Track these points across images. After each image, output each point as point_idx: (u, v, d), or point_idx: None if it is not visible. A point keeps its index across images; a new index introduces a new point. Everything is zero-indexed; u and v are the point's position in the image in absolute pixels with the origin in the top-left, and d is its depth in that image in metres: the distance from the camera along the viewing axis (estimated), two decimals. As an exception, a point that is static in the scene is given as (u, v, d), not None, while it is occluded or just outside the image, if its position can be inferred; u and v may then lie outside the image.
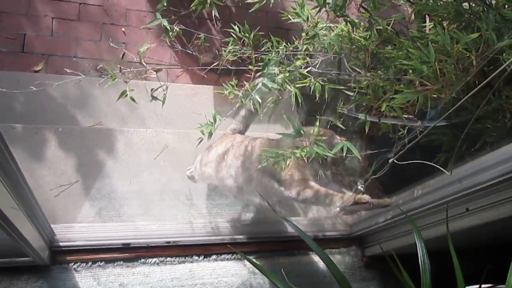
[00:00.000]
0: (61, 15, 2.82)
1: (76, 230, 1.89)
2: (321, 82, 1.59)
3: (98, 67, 2.03)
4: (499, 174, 1.48)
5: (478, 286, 1.43)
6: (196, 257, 2.02)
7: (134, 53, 2.00)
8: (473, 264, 1.75)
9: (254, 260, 2.08)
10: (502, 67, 1.29)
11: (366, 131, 1.72)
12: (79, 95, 2.50)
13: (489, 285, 1.53)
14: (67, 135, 2.22)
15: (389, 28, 1.91)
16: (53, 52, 2.70)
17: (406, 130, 1.92)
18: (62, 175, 2.12)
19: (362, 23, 1.99)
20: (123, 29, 2.94)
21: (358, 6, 1.66)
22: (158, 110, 2.57)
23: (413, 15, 2.10)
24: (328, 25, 1.88)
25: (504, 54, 1.55)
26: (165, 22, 1.57)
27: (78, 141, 2.23)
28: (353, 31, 1.89)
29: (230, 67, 1.72)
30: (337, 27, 1.93)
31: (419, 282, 1.37)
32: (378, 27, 1.94)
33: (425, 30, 1.98)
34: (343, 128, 1.80)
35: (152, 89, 1.66)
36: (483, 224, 1.58)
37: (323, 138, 1.55)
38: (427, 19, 2.02)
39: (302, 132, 1.59)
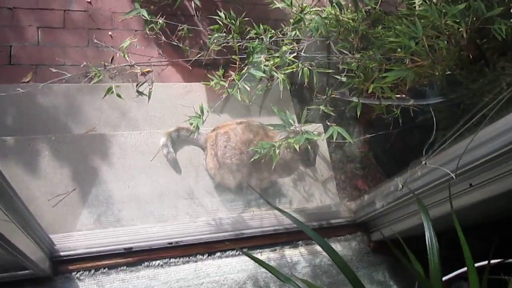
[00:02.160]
0: (45, 24, 2.78)
1: (76, 239, 1.87)
2: (309, 67, 1.55)
3: (82, 65, 1.99)
4: (500, 146, 1.45)
5: (487, 262, 1.40)
6: (200, 256, 1.99)
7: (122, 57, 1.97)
8: (480, 241, 1.72)
9: (259, 254, 2.07)
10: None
11: (358, 114, 1.69)
12: (70, 104, 2.47)
13: (498, 260, 1.50)
14: (61, 143, 2.19)
15: (377, 7, 1.87)
16: (40, 61, 2.67)
17: (399, 110, 1.89)
18: (59, 184, 2.09)
19: (350, 5, 1.95)
20: (110, 33, 2.90)
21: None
22: (151, 111, 2.54)
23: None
24: (314, 9, 1.85)
25: (495, 23, 1.51)
26: (144, 13, 1.54)
27: (72, 149, 2.20)
28: (341, 13, 1.85)
29: (216, 57, 1.68)
30: (324, 10, 1.90)
31: (427, 263, 1.34)
32: (367, 7, 1.91)
33: (415, 7, 1.94)
34: (333, 114, 1.77)
35: (137, 84, 1.63)
36: (487, 198, 1.54)
37: None
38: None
39: (292, 122, 1.57)
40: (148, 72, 2.74)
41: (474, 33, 1.54)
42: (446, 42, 1.49)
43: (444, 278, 1.60)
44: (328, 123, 1.57)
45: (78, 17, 2.87)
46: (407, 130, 2.16)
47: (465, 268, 1.28)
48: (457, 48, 1.68)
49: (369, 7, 1.90)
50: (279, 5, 1.65)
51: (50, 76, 2.57)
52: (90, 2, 2.93)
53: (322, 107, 1.58)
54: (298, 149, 1.63)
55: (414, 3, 1.94)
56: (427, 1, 1.78)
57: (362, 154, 2.86)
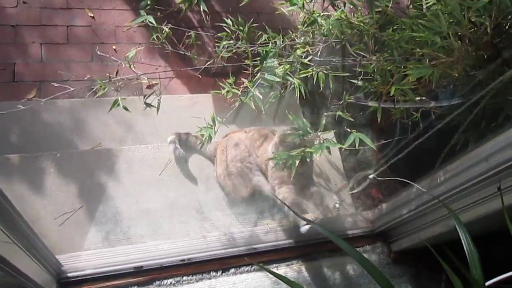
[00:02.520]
0: (49, 40, 2.75)
1: (84, 259, 1.79)
2: (324, 71, 1.48)
3: (86, 78, 1.94)
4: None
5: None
6: (214, 273, 1.90)
7: (127, 70, 1.91)
8: (506, 248, 1.63)
9: (275, 268, 1.98)
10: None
11: (379, 119, 1.61)
12: (75, 119, 2.41)
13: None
14: (66, 160, 2.13)
15: (389, 8, 1.81)
16: (44, 78, 2.62)
17: (419, 113, 1.82)
18: (65, 202, 2.02)
19: (359, 8, 1.90)
20: (114, 46, 2.86)
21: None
22: (158, 124, 2.47)
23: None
24: (323, 13, 1.79)
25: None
26: (151, 19, 1.48)
27: (78, 165, 2.13)
28: (352, 16, 1.79)
29: (225, 64, 1.62)
30: (333, 15, 1.84)
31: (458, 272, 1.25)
32: (378, 9, 1.85)
33: (422, 9, 1.88)
34: (352, 120, 1.70)
35: (144, 96, 1.56)
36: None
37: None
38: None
39: (309, 130, 1.50)
40: (155, 85, 2.68)
41: (494, 28, 1.47)
42: (468, 39, 1.42)
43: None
44: (348, 130, 1.49)
45: (82, 32, 2.83)
46: (423, 135, 2.09)
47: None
48: (474, 46, 1.61)
49: (380, 9, 1.85)
50: (289, 8, 1.59)
51: (54, 92, 2.52)
52: (93, 17, 2.89)
53: (339, 113, 1.51)
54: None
55: (421, 5, 1.90)
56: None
57: (375, 162, 2.78)
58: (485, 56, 1.79)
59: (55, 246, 1.79)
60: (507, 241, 1.48)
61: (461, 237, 1.25)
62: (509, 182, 1.46)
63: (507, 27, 1.77)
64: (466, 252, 1.23)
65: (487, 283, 1.40)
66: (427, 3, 1.83)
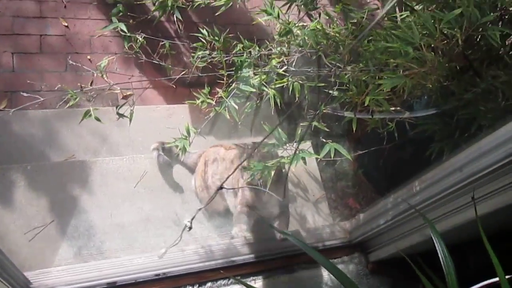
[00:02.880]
0: (21, 49, 2.68)
1: (54, 275, 1.72)
2: (300, 82, 1.48)
3: (56, 88, 1.90)
4: (502, 157, 1.38)
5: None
6: (190, 287, 1.86)
7: (102, 80, 1.88)
8: (481, 257, 1.64)
9: (252, 281, 1.95)
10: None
11: (354, 129, 1.61)
12: (47, 130, 2.35)
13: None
14: (37, 172, 2.07)
15: (364, 19, 1.83)
16: (16, 88, 2.55)
17: (394, 123, 1.83)
18: (36, 216, 1.96)
19: (335, 19, 1.91)
20: (88, 56, 2.81)
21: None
22: (133, 136, 2.43)
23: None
24: (299, 24, 1.80)
25: (488, 30, 1.47)
26: (122, 26, 1.45)
27: (49, 178, 2.08)
28: (328, 27, 1.80)
29: (201, 74, 1.60)
30: (309, 26, 1.85)
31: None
32: (353, 21, 1.87)
33: (397, 21, 1.91)
34: (327, 130, 1.70)
35: (117, 106, 1.53)
36: (491, 212, 1.47)
37: None
38: (397, 10, 1.95)
39: (284, 140, 1.49)
40: (129, 95, 2.64)
41: (466, 40, 1.49)
42: (441, 51, 1.44)
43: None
44: (324, 140, 1.48)
45: (55, 41, 2.78)
46: (398, 145, 2.11)
47: (488, 281, 1.20)
48: (447, 58, 1.64)
49: (355, 20, 1.87)
50: (265, 18, 1.58)
51: (25, 103, 2.46)
52: (67, 26, 2.84)
53: (315, 123, 1.50)
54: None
55: (396, 17, 1.92)
56: (414, 11, 1.76)
57: (352, 172, 2.79)
58: (457, 67, 1.82)
59: (25, 262, 1.73)
60: (481, 250, 1.50)
61: (437, 247, 1.26)
62: (483, 192, 1.48)
63: (478, 39, 1.81)
64: (441, 262, 1.23)
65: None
66: (401, 15, 1.86)
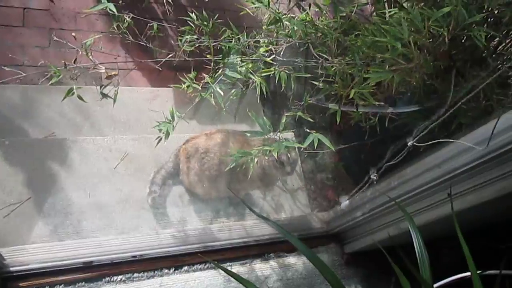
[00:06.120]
0: (3, 22, 2.60)
1: (29, 252, 1.71)
2: (286, 71, 1.48)
3: (39, 63, 1.86)
4: (478, 156, 1.42)
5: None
6: (166, 270, 1.87)
7: (85, 58, 1.85)
8: (453, 252, 1.68)
9: (228, 267, 1.96)
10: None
11: (338, 121, 1.63)
12: (27, 106, 2.30)
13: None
14: (15, 148, 2.03)
15: (353, 14, 1.84)
16: (-4, 61, 2.49)
17: (377, 118, 1.85)
18: (12, 192, 1.92)
19: (324, 12, 1.91)
20: (73, 34, 2.73)
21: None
22: (116, 116, 2.40)
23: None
24: (288, 14, 1.79)
25: (473, 31, 1.49)
26: (111, 7, 1.43)
27: (27, 155, 2.04)
28: (317, 19, 1.81)
29: (187, 58, 1.59)
30: (298, 17, 1.85)
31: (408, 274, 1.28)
32: (342, 14, 1.87)
33: (385, 17, 1.92)
34: (312, 121, 1.71)
35: (101, 86, 1.51)
36: (466, 209, 1.51)
37: None
38: (386, 6, 1.96)
39: (269, 128, 1.49)
40: (113, 75, 2.60)
41: (445, 43, 1.51)
42: (426, 49, 1.45)
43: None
44: (308, 130, 1.49)
45: (39, 15, 2.71)
46: (379, 140, 2.13)
47: (459, 275, 1.23)
48: (432, 56, 1.66)
49: (344, 14, 1.87)
50: (255, 5, 1.57)
51: (6, 77, 2.40)
52: (52, 1, 2.77)
53: (300, 113, 1.51)
54: (276, 159, 1.56)
55: (385, 13, 1.94)
56: (403, 7, 1.77)
57: (332, 165, 2.82)
58: (441, 67, 1.85)
59: (-1, 239, 1.71)
60: (453, 246, 1.54)
61: (413, 239, 1.29)
62: (459, 188, 1.52)
63: (462, 40, 1.83)
64: (417, 254, 1.26)
65: (435, 285, 1.44)
66: (389, 12, 1.88)
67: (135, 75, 2.69)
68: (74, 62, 2.59)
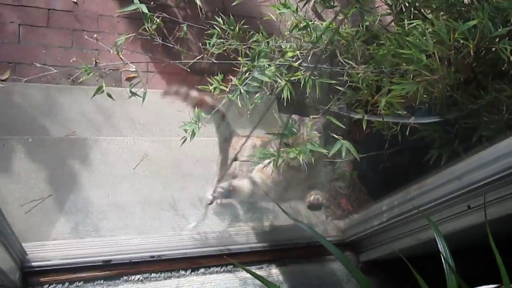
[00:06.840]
0: (28, 22, 2.66)
1: (50, 248, 1.72)
2: (312, 77, 1.50)
3: (71, 60, 1.89)
4: (501, 169, 1.41)
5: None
6: (183, 272, 1.87)
7: (107, 59, 1.89)
8: (471, 266, 1.67)
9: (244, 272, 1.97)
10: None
11: (364, 127, 1.63)
12: (50, 105, 2.34)
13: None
14: (38, 146, 2.06)
15: (376, 23, 1.86)
16: (20, 60, 2.54)
17: (399, 127, 1.86)
18: (33, 189, 1.95)
19: (346, 21, 1.93)
20: (95, 35, 2.79)
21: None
22: (136, 117, 2.43)
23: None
24: (313, 22, 1.82)
25: (499, 43, 1.50)
26: (144, 8, 1.45)
27: (49, 153, 2.07)
28: (341, 26, 1.83)
29: (215, 61, 1.61)
30: (322, 24, 1.87)
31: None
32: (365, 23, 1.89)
33: (405, 27, 1.93)
34: (343, 127, 1.70)
35: (130, 84, 1.54)
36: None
37: None
38: (410, 17, 1.97)
39: (295, 131, 1.50)
40: (134, 77, 2.64)
41: (478, 51, 1.53)
42: (449, 61, 1.47)
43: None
44: (336, 136, 1.49)
45: (63, 16, 2.77)
46: (397, 151, 2.13)
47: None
48: (455, 68, 1.67)
49: (368, 23, 1.89)
50: (281, 11, 1.59)
51: (29, 75, 2.44)
52: (76, 3, 2.83)
53: (329, 117, 1.52)
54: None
55: (404, 23, 1.95)
56: (427, 18, 1.78)
57: (346, 173, 2.82)
58: (461, 79, 1.86)
59: (20, 234, 1.71)
60: (468, 260, 1.53)
61: (440, 248, 1.28)
62: (479, 202, 1.52)
63: (484, 53, 1.84)
64: (444, 264, 1.25)
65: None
66: (410, 23, 1.89)
67: (156, 77, 2.72)
68: (95, 64, 2.65)
